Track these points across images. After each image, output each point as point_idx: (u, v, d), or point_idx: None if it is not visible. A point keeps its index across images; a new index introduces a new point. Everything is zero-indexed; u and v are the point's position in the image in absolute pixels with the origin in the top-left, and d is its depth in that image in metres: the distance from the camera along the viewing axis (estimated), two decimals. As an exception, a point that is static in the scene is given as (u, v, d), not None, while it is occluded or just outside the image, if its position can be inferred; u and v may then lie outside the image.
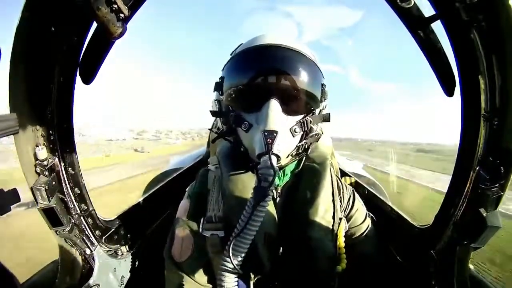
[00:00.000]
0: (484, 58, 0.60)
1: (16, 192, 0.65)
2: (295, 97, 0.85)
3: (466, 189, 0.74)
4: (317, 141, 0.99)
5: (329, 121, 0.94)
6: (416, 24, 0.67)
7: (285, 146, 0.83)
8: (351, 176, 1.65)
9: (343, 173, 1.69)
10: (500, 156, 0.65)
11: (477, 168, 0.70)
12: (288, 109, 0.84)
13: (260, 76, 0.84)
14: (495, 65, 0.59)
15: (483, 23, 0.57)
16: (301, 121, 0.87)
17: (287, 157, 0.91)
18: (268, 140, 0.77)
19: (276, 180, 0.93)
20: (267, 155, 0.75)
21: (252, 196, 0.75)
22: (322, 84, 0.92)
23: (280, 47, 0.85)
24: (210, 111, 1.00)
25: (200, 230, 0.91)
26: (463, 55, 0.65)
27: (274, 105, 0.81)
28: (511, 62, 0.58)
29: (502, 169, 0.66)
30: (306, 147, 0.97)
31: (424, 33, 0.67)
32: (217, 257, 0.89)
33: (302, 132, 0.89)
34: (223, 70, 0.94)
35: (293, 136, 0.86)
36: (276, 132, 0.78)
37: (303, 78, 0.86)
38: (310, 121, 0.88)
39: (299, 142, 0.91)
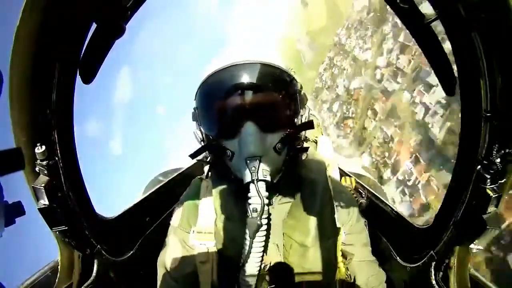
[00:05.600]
0: (484, 57, 0.60)
1: (21, 205, 0.64)
2: (271, 113, 0.80)
3: (466, 189, 0.74)
4: (307, 151, 0.93)
5: (313, 128, 0.86)
6: (416, 24, 0.67)
7: (272, 167, 0.79)
8: (351, 176, 1.64)
9: (343, 173, 1.68)
10: (500, 156, 0.65)
11: (477, 168, 0.70)
12: (267, 128, 0.78)
13: (229, 100, 0.78)
14: (496, 65, 0.59)
15: (483, 23, 0.57)
16: (283, 136, 0.81)
17: (278, 174, 0.87)
18: (252, 167, 0.73)
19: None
20: (253, 184, 0.72)
21: (246, 227, 0.74)
22: (297, 90, 0.86)
23: (243, 64, 0.78)
24: (191, 154, 0.90)
25: (190, 239, 0.91)
26: (463, 55, 0.65)
27: (251, 128, 0.76)
28: (511, 62, 0.58)
29: (502, 169, 0.66)
30: (295, 156, 0.92)
31: (424, 33, 0.67)
32: (204, 267, 0.88)
33: (286, 147, 0.84)
34: (195, 99, 0.88)
35: (279, 154, 0.81)
36: (259, 157, 0.74)
37: (274, 91, 0.80)
38: (292, 133, 0.83)
39: (286, 155, 0.86)
